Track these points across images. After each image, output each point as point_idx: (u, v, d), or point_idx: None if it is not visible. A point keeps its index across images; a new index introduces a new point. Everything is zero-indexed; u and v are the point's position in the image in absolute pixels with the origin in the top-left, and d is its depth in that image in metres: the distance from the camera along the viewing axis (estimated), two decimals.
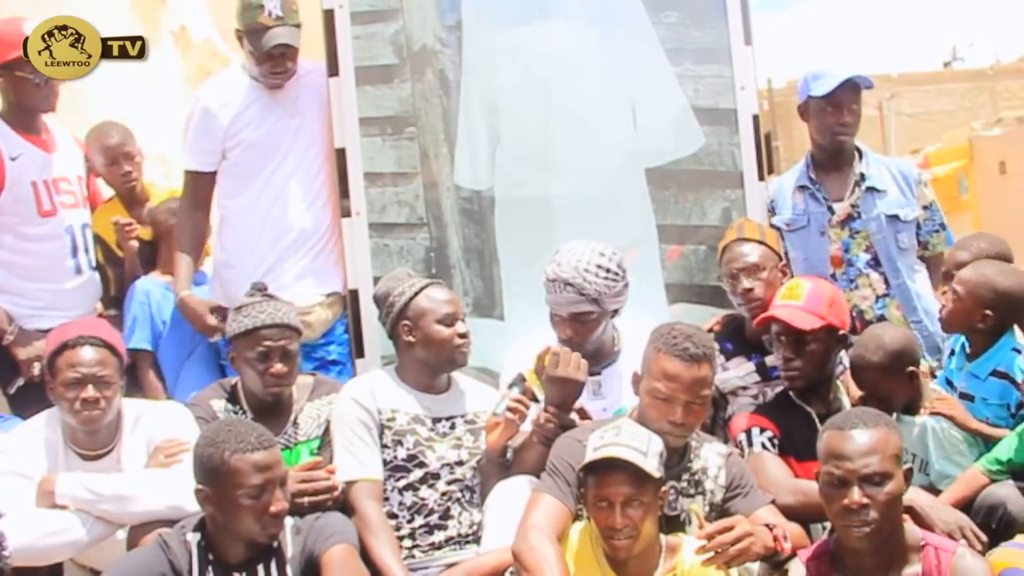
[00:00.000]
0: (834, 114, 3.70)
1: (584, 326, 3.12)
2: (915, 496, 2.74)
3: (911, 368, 3.04)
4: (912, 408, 3.06)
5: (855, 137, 3.77)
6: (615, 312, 3.19)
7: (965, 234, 3.81)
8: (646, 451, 2.52)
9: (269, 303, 3.14)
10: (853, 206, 3.72)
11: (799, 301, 3.11)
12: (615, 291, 3.13)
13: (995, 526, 2.74)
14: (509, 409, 2.92)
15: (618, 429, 2.57)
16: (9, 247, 3.55)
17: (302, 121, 3.67)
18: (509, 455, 3.01)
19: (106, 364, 2.97)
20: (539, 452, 2.85)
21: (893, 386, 3.02)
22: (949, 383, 3.23)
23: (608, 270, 3.12)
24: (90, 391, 2.91)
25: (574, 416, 2.96)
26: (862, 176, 3.74)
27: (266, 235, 3.63)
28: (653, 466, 2.51)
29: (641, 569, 2.57)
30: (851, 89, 3.69)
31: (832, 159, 3.78)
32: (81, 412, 2.92)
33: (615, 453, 2.49)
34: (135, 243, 3.82)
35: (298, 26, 3.59)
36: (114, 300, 3.91)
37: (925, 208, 3.77)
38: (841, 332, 3.15)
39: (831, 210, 3.73)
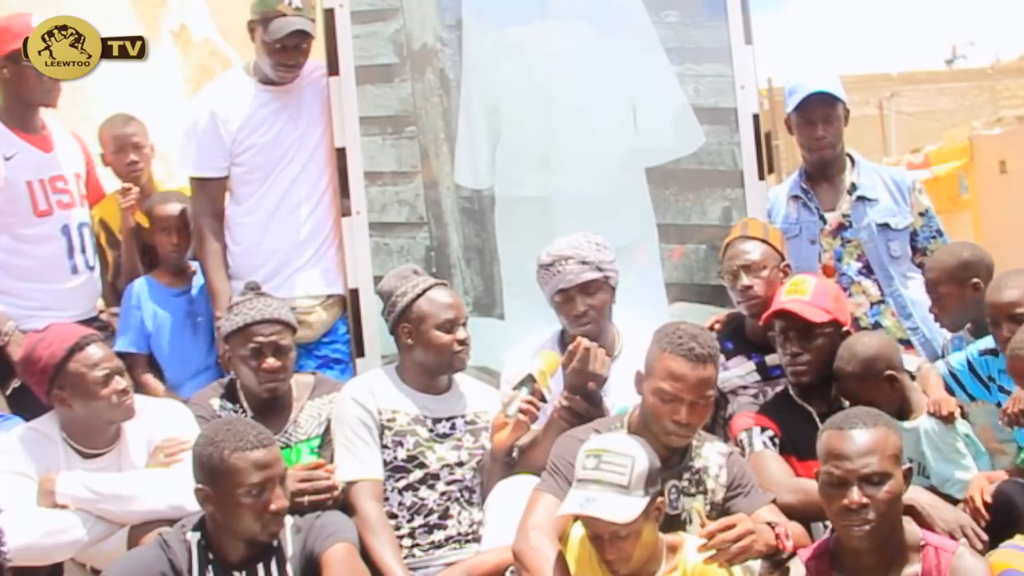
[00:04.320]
0: (808, 128, 3.71)
1: (593, 297, 3.16)
2: (916, 495, 2.74)
3: (889, 372, 3.03)
4: (903, 413, 3.06)
5: (837, 147, 3.75)
6: (612, 292, 3.22)
7: (964, 236, 3.83)
8: (628, 483, 2.45)
9: (260, 300, 3.15)
10: (844, 215, 3.73)
11: (806, 296, 3.13)
12: (609, 259, 3.20)
13: (1001, 523, 2.73)
14: (521, 411, 2.93)
15: (598, 458, 2.49)
16: (5, 248, 3.54)
17: (307, 123, 3.68)
18: (515, 454, 3.02)
19: (114, 356, 3.02)
20: (547, 450, 2.85)
21: (874, 393, 3.01)
22: (955, 379, 3.21)
23: (597, 242, 3.22)
24: (120, 383, 2.95)
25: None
26: (853, 185, 3.75)
27: (272, 238, 3.63)
28: (635, 504, 2.44)
29: (643, 569, 2.56)
30: (822, 102, 3.68)
31: (822, 169, 3.79)
32: (120, 404, 2.95)
33: (588, 511, 2.44)
34: (132, 219, 3.80)
35: (314, 21, 3.59)
36: (113, 288, 3.90)
37: (921, 215, 3.77)
38: (845, 328, 3.16)
39: (823, 219, 3.74)
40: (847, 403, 3.11)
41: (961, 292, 3.31)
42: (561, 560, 2.53)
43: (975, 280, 3.28)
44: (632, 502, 2.44)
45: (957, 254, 3.40)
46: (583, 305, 3.15)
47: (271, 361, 3.08)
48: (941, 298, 3.37)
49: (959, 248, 3.48)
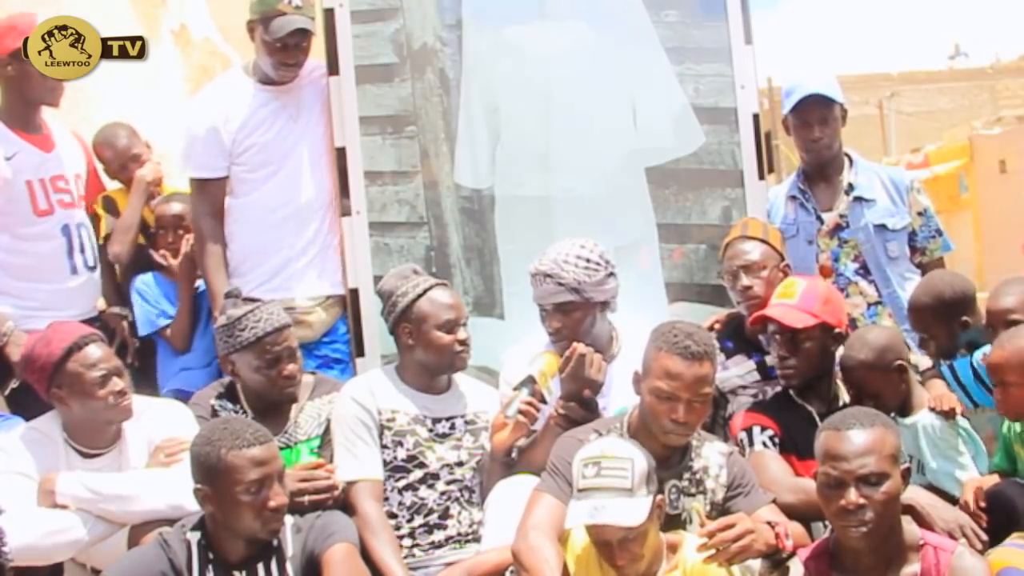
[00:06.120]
0: (805, 129, 3.71)
1: (568, 316, 3.12)
2: (915, 495, 2.74)
3: (899, 362, 3.04)
4: (905, 409, 3.06)
5: (834, 148, 3.74)
6: (604, 305, 3.18)
7: (964, 236, 3.81)
8: (631, 485, 2.45)
9: (262, 309, 3.11)
10: (841, 216, 3.72)
11: (793, 299, 3.13)
12: (596, 280, 3.11)
13: (1002, 523, 2.73)
14: (520, 412, 2.93)
15: (598, 465, 2.49)
16: (4, 247, 3.53)
17: (307, 123, 3.68)
18: (514, 454, 3.02)
19: (113, 356, 3.02)
20: (546, 450, 2.85)
21: (882, 382, 3.02)
22: (960, 385, 3.21)
23: (588, 260, 3.12)
24: (118, 383, 2.95)
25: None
26: (850, 186, 3.74)
27: (272, 238, 3.63)
28: (641, 505, 2.45)
29: (645, 570, 2.56)
30: (818, 103, 3.67)
31: (820, 170, 3.78)
32: (117, 405, 2.95)
33: (600, 519, 2.43)
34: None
35: (313, 19, 3.59)
36: (114, 287, 3.93)
37: (920, 214, 3.76)
38: (837, 330, 3.15)
39: (820, 220, 3.73)
40: (846, 401, 3.11)
41: (949, 329, 3.26)
42: (561, 560, 2.53)
43: (964, 319, 3.24)
44: (639, 503, 2.45)
45: (939, 295, 3.29)
46: (558, 323, 3.12)
47: (291, 367, 3.09)
48: (929, 339, 3.33)
49: (940, 287, 3.33)
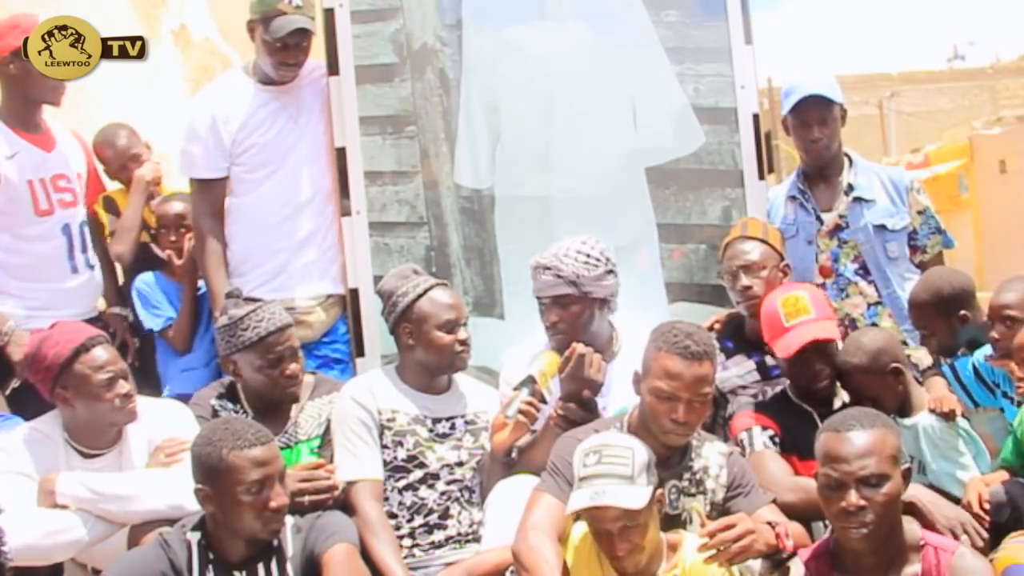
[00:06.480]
0: (804, 130, 3.70)
1: (566, 310, 3.12)
2: (917, 493, 2.74)
3: (894, 365, 3.04)
4: (905, 410, 3.06)
5: (833, 148, 3.72)
6: (604, 302, 3.17)
7: (964, 236, 3.81)
8: (632, 473, 2.47)
9: (264, 309, 3.11)
10: (841, 216, 3.71)
11: (811, 315, 3.10)
12: (594, 275, 3.12)
13: (1004, 523, 2.73)
14: (521, 412, 2.93)
15: (599, 454, 2.51)
16: (5, 247, 3.54)
17: (307, 123, 3.68)
18: (514, 454, 3.02)
19: (120, 359, 3.01)
20: (546, 450, 2.85)
21: (879, 386, 3.02)
22: (961, 385, 3.20)
23: (588, 255, 3.13)
24: (124, 386, 2.94)
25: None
26: (850, 186, 3.73)
27: (272, 238, 3.63)
28: (642, 492, 2.47)
29: (644, 568, 2.56)
30: (817, 104, 3.65)
31: (819, 170, 3.77)
32: (123, 408, 2.95)
33: (601, 501, 2.45)
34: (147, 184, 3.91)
35: (313, 19, 3.60)
36: (114, 287, 3.94)
37: (920, 213, 3.75)
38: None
39: (820, 220, 3.72)
40: (846, 401, 3.11)
41: (949, 325, 3.26)
42: (560, 560, 2.53)
43: (963, 313, 3.24)
44: (639, 490, 2.47)
45: (937, 291, 3.29)
46: (555, 316, 3.13)
47: (294, 367, 3.09)
48: (930, 335, 3.33)
49: (938, 283, 3.33)
